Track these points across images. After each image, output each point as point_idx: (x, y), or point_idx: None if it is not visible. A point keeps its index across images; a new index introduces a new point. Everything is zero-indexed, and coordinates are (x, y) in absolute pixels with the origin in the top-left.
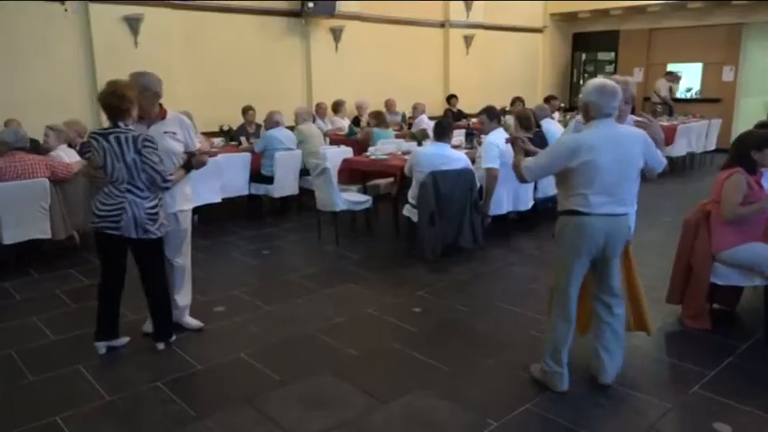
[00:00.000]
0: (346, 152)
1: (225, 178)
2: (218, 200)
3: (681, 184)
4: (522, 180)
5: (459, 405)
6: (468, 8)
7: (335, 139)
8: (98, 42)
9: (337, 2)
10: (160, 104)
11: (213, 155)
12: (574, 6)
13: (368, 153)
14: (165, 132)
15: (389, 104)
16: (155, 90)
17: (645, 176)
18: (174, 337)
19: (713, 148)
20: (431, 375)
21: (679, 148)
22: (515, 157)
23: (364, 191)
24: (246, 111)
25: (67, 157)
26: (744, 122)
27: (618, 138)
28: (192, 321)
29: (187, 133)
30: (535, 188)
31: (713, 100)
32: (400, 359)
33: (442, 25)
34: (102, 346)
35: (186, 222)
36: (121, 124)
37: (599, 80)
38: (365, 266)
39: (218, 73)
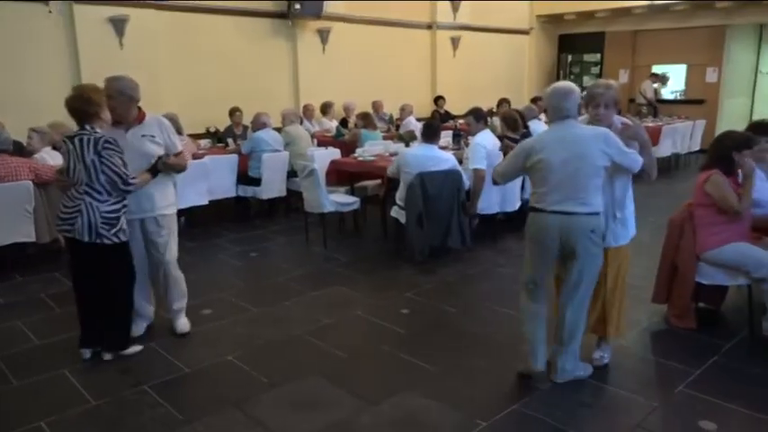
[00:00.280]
0: (334, 154)
1: (212, 180)
2: (205, 202)
3: (666, 185)
4: (494, 182)
5: (447, 406)
6: (455, 10)
7: (323, 141)
8: (83, 44)
9: (324, 2)
10: (139, 108)
11: (200, 157)
12: (560, 8)
13: (355, 154)
14: (144, 136)
15: (377, 106)
16: (129, 94)
17: (641, 178)
18: (130, 350)
19: (698, 148)
20: (419, 376)
21: (664, 149)
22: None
23: (352, 192)
24: (233, 112)
25: (51, 159)
26: (727, 123)
27: (573, 138)
28: (180, 326)
29: (167, 136)
30: (522, 188)
31: (697, 101)
32: (388, 360)
33: (429, 27)
34: (86, 351)
35: (168, 227)
36: (88, 127)
37: (555, 84)
38: (353, 268)
39: (204, 74)
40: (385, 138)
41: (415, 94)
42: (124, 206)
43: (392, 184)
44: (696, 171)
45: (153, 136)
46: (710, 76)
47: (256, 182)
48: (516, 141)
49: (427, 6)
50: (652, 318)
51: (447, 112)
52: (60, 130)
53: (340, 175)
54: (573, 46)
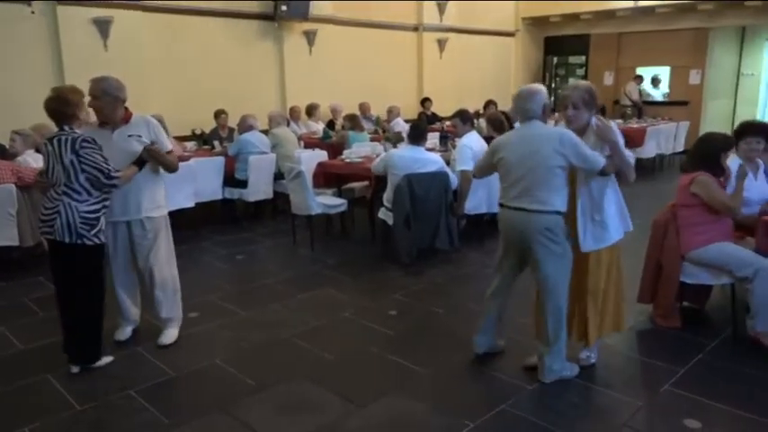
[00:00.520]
0: (321, 155)
1: (198, 183)
2: (191, 204)
3: (650, 185)
4: (474, 175)
5: (435, 407)
6: (442, 12)
7: (310, 143)
8: (66, 45)
9: (311, 2)
10: (126, 108)
11: (186, 159)
12: (545, 11)
13: (343, 156)
14: (130, 136)
15: (364, 108)
16: (114, 94)
17: (620, 180)
18: (101, 362)
19: (681, 149)
20: (407, 378)
21: (648, 150)
22: None
23: (339, 194)
24: (218, 114)
25: (34, 162)
26: (710, 124)
27: (531, 137)
28: (163, 337)
29: (155, 135)
30: None
31: (681, 102)
32: (377, 362)
33: (416, 29)
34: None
35: (155, 230)
36: (66, 128)
37: (522, 86)
38: (341, 270)
39: (190, 76)
40: (372, 139)
41: (402, 95)
42: (104, 207)
43: (379, 185)
44: (680, 172)
45: (140, 136)
46: (694, 77)
47: (243, 184)
48: None
49: (414, 8)
50: (638, 317)
51: (434, 114)
52: (43, 132)
53: (327, 177)
54: (558, 48)
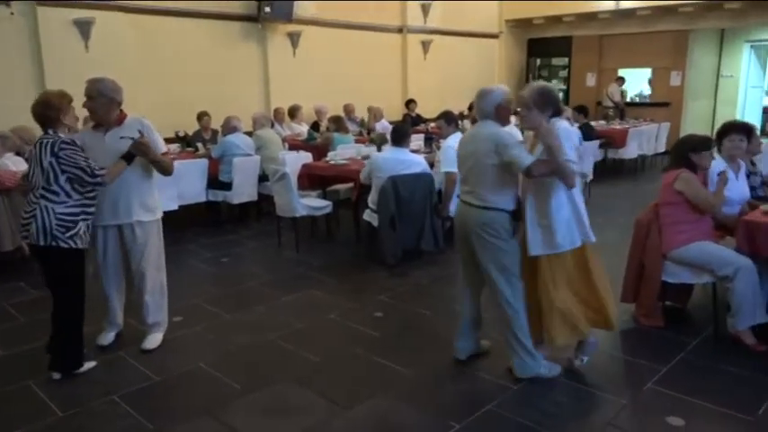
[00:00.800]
0: (305, 157)
1: (181, 185)
2: (175, 207)
3: (633, 186)
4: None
5: (421, 408)
6: (426, 14)
7: (294, 145)
8: (47, 46)
9: (295, 2)
10: (121, 110)
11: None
12: (528, 13)
13: (327, 158)
14: (122, 138)
15: (348, 109)
16: (110, 96)
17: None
18: (83, 368)
19: (663, 150)
20: (393, 379)
21: (631, 151)
22: None
23: (324, 196)
24: (201, 117)
25: (14, 165)
26: (691, 125)
27: (477, 136)
28: (147, 342)
29: (148, 137)
30: None
31: (662, 104)
32: (362, 364)
33: (400, 31)
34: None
35: (146, 235)
36: (51, 132)
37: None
38: (326, 272)
39: (173, 78)
40: (357, 141)
41: (387, 97)
42: (85, 212)
43: (364, 187)
44: (662, 172)
45: (132, 138)
46: (674, 79)
47: (227, 186)
48: None
49: (398, 10)
50: (621, 317)
51: (418, 116)
52: (23, 134)
53: (312, 179)
54: (541, 50)
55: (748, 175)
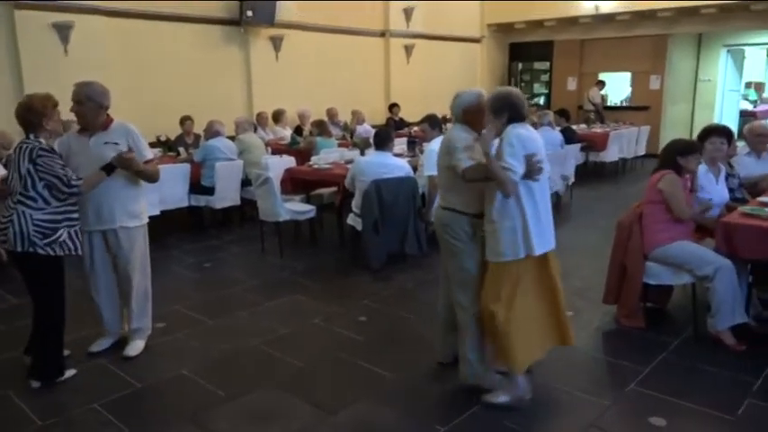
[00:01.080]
0: (289, 162)
1: (163, 190)
2: (157, 212)
3: (614, 188)
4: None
5: (406, 412)
6: (408, 18)
7: (277, 149)
8: (25, 51)
9: (278, 3)
10: (108, 114)
11: None
12: (510, 17)
13: (311, 162)
14: (106, 143)
15: (331, 113)
16: (98, 101)
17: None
18: (64, 376)
19: (643, 153)
20: (378, 384)
21: (611, 154)
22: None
23: (308, 200)
24: (184, 121)
25: None
26: (670, 128)
27: (443, 139)
28: (129, 349)
29: (133, 143)
30: None
31: (642, 108)
32: (347, 369)
33: (383, 35)
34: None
35: (131, 240)
36: (32, 136)
37: None
38: (310, 277)
39: (154, 82)
40: (340, 145)
41: (370, 101)
42: (66, 218)
43: (348, 191)
44: (643, 175)
45: (117, 143)
46: (654, 83)
47: (210, 191)
48: None
49: (380, 14)
50: (603, 318)
51: (401, 120)
52: (1, 139)
53: (295, 184)
54: (523, 54)
55: (727, 178)
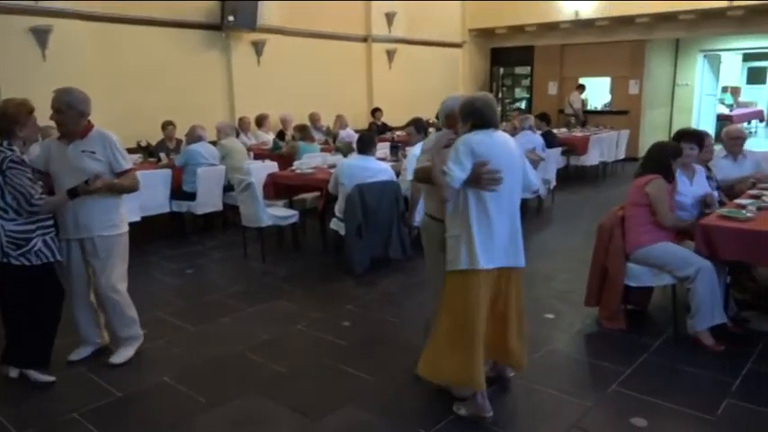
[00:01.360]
0: (271, 167)
1: (144, 196)
2: (138, 219)
3: (595, 192)
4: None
5: (390, 417)
6: (390, 23)
7: (260, 154)
8: (2, 55)
9: (261, 3)
10: (89, 121)
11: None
12: (491, 22)
13: (293, 167)
14: (83, 152)
15: (314, 118)
16: (80, 109)
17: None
18: (42, 378)
19: (623, 156)
20: (362, 389)
21: (592, 158)
22: None
23: (290, 205)
24: (165, 126)
25: None
26: (650, 132)
27: None
28: (116, 357)
29: (110, 152)
30: None
31: (621, 112)
32: (331, 374)
33: (365, 40)
34: (12, 369)
35: (108, 249)
36: (5, 143)
37: None
38: (293, 282)
39: (135, 87)
40: (323, 150)
41: (353, 106)
42: (40, 228)
43: (331, 196)
44: (623, 178)
45: (93, 152)
46: (633, 87)
47: (191, 197)
48: None
49: (362, 19)
50: (585, 321)
51: (384, 124)
52: None
53: (278, 189)
54: (504, 59)
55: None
